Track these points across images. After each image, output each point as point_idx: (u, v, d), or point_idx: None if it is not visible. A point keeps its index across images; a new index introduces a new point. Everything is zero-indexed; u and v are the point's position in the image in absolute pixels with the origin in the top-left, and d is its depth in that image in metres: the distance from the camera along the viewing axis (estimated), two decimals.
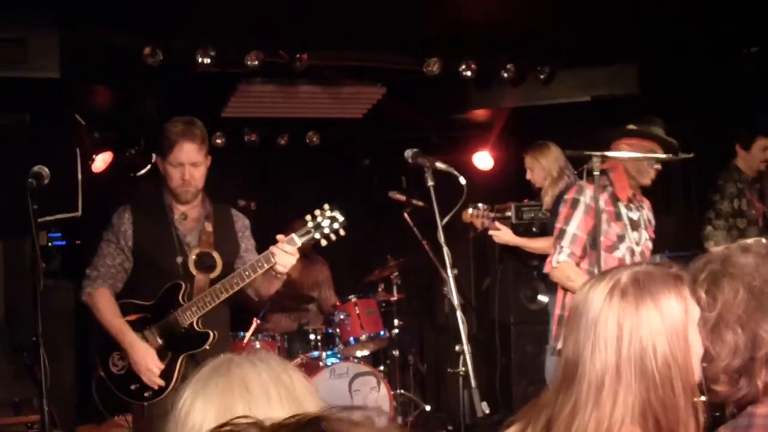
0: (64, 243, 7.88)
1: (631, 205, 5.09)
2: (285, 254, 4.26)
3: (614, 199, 5.03)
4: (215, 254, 4.59)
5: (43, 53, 5.76)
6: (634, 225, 5.05)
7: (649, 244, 5.18)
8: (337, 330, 7.45)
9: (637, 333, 1.93)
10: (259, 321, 7.26)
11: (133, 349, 4.39)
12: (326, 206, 4.38)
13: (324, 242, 4.39)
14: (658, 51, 6.95)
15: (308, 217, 4.35)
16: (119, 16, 5.97)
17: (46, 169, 4.05)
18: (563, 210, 5.07)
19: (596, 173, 4.46)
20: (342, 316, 7.46)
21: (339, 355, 7.25)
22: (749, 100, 7.12)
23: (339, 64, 7.18)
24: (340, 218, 4.37)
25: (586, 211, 4.89)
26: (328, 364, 7.03)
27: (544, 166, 6.41)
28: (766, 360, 2.02)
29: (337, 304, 7.73)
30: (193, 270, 4.51)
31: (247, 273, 4.32)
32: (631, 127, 5.00)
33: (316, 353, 7.27)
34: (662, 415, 1.89)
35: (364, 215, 9.60)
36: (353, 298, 7.59)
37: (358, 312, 7.50)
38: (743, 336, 2.03)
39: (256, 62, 6.49)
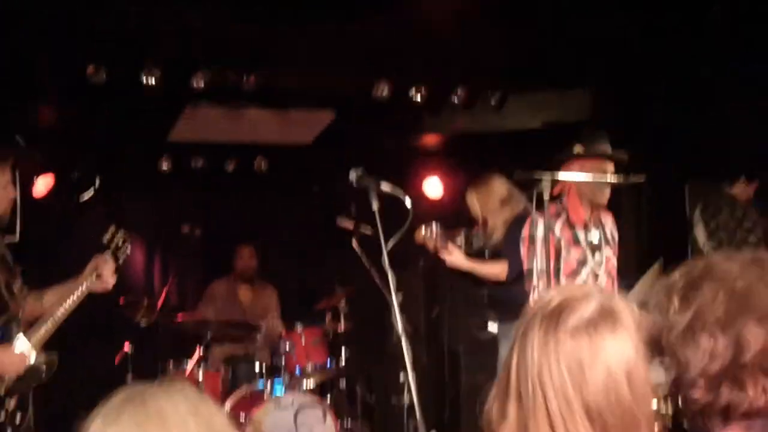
0: None
1: (591, 226, 5.00)
2: (109, 270, 4.66)
3: (570, 225, 4.94)
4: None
5: None
6: (595, 248, 4.95)
7: (614, 262, 5.09)
8: (283, 360, 7.28)
9: None
10: (202, 350, 7.08)
11: None
12: (113, 228, 4.94)
13: (120, 260, 4.90)
14: (610, 77, 6.93)
15: (106, 239, 4.88)
16: (61, 32, 5.81)
17: None
18: (523, 250, 4.97)
19: (546, 198, 4.38)
20: (287, 346, 7.29)
21: (284, 386, 7.08)
22: (700, 125, 7.18)
23: (287, 86, 7.07)
24: (128, 239, 4.98)
25: (544, 243, 4.77)
26: (273, 395, 6.85)
27: (481, 205, 6.43)
28: (758, 365, 1.87)
29: (283, 333, 7.57)
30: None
31: (80, 291, 4.57)
32: (577, 150, 4.93)
33: (261, 384, 7.09)
34: None
35: (312, 242, 9.49)
36: (299, 328, 7.43)
37: (303, 342, 7.34)
38: (723, 339, 1.87)
39: (203, 83, 6.35)
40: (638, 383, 1.86)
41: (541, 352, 1.88)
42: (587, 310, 1.89)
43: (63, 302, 4.54)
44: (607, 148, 4.95)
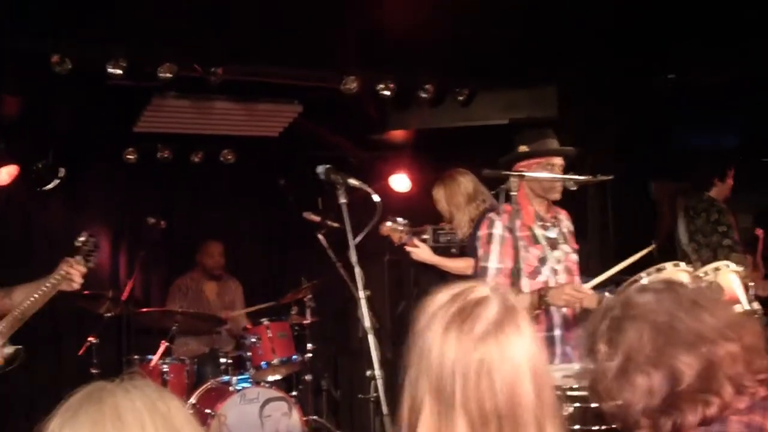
0: None
1: (547, 224, 4.92)
2: (77, 272, 4.77)
3: (526, 224, 4.86)
4: None
5: None
6: (554, 244, 4.90)
7: (573, 257, 4.99)
8: (248, 354, 7.25)
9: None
10: (167, 344, 7.04)
11: None
12: (85, 233, 5.04)
13: (92, 265, 5.02)
14: (577, 74, 6.95)
15: (79, 243, 4.97)
16: (26, 21, 5.72)
17: None
18: (481, 248, 4.84)
19: (514, 194, 4.36)
20: (253, 340, 7.27)
21: (250, 380, 7.05)
22: (665, 124, 7.24)
23: (255, 80, 7.02)
24: (98, 243, 5.14)
25: (502, 243, 4.70)
26: (239, 388, 6.82)
27: (447, 200, 6.43)
28: (694, 391, 1.91)
29: (249, 327, 7.54)
30: None
31: (44, 289, 4.69)
32: (522, 149, 4.82)
33: (226, 377, 7.06)
34: None
35: (278, 236, 9.44)
36: (265, 321, 7.41)
37: (270, 335, 7.32)
38: (658, 374, 1.94)
39: (169, 75, 6.27)
40: (541, 378, 1.90)
41: (449, 358, 1.93)
42: (491, 312, 1.94)
43: (30, 299, 4.65)
44: (553, 143, 4.88)
